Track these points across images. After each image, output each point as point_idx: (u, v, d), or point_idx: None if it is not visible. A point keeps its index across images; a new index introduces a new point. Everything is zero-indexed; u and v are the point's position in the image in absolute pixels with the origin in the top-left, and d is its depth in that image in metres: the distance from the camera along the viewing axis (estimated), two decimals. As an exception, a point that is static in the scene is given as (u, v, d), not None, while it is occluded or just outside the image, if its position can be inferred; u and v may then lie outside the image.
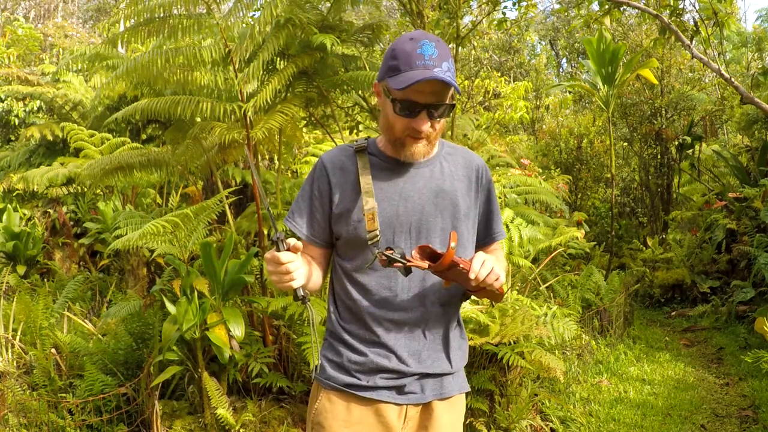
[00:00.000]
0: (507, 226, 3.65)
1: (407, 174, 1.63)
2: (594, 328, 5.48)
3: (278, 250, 1.38)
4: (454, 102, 1.58)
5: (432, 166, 1.66)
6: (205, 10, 3.46)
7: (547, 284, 5.04)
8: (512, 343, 3.33)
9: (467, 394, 1.76)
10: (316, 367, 1.63)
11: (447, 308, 1.64)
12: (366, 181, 1.59)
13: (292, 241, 1.41)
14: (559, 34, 19.95)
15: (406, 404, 1.59)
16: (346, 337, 1.61)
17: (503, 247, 1.79)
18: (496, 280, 1.47)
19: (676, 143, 10.13)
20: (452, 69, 1.51)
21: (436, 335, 1.63)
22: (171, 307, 3.12)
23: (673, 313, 7.60)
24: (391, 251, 1.44)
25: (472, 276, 1.42)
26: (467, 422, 3.30)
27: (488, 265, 1.44)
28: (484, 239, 1.77)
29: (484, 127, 8.99)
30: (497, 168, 6.22)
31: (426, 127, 1.53)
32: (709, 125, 10.59)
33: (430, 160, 1.66)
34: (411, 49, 1.49)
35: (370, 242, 1.54)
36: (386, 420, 1.57)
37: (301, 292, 1.43)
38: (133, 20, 3.40)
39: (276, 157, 5.60)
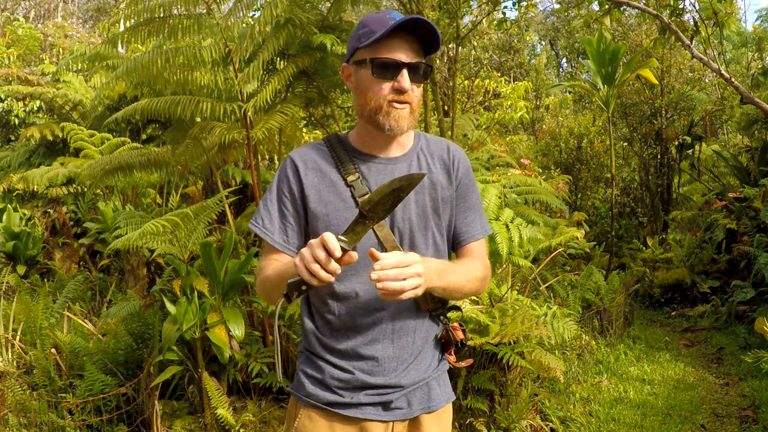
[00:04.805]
0: (507, 226, 3.64)
1: (385, 170, 1.50)
2: (594, 328, 5.48)
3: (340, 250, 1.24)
4: (431, 65, 1.52)
5: (409, 160, 1.53)
6: (205, 10, 3.46)
7: (547, 284, 5.03)
8: (512, 343, 3.32)
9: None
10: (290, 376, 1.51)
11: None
12: (352, 177, 1.47)
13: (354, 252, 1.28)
14: (559, 34, 19.96)
15: (393, 420, 1.50)
16: (328, 355, 1.49)
17: (483, 247, 1.65)
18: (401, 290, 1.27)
19: (676, 143, 10.12)
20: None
21: (427, 339, 1.55)
22: (171, 307, 3.12)
23: (673, 313, 7.59)
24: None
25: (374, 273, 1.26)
26: (467, 422, 3.30)
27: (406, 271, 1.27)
28: (463, 237, 1.60)
29: (484, 127, 8.99)
30: (497, 168, 6.21)
31: (408, 85, 1.42)
32: (709, 125, 10.57)
33: (407, 155, 1.54)
34: (381, 16, 1.44)
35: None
36: None
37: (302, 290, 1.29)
38: (133, 20, 3.40)
39: (276, 157, 5.59)
